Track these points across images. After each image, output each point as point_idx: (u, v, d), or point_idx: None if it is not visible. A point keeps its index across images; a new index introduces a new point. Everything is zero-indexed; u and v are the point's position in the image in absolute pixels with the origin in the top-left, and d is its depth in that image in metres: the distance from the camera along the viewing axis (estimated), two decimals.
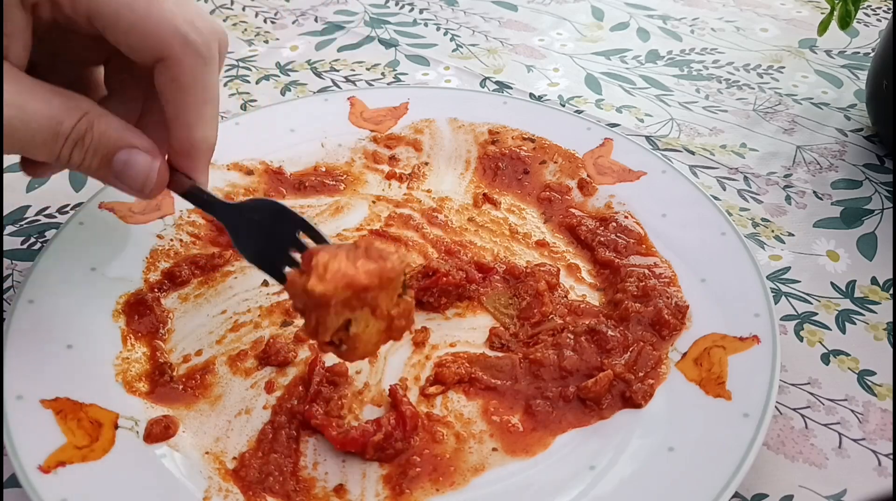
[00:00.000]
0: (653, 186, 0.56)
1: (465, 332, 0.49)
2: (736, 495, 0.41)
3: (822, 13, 0.63)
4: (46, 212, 0.56)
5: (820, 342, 0.49)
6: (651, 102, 0.69)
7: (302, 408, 0.44)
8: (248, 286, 0.52)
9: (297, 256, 0.42)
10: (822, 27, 0.61)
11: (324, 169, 0.60)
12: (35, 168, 0.44)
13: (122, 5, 0.38)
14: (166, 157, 0.43)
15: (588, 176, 0.58)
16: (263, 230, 0.43)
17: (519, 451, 0.43)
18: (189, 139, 0.42)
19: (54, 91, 0.39)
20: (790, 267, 0.54)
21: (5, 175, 0.59)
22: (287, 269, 0.42)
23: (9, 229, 0.55)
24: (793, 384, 0.46)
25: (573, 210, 0.57)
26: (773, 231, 0.56)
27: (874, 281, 0.53)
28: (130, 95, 0.45)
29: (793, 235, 0.56)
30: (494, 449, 0.43)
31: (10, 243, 0.54)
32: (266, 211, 0.43)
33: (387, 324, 0.39)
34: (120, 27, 0.39)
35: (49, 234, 0.55)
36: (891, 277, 0.53)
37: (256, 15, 0.81)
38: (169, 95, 0.41)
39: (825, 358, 0.48)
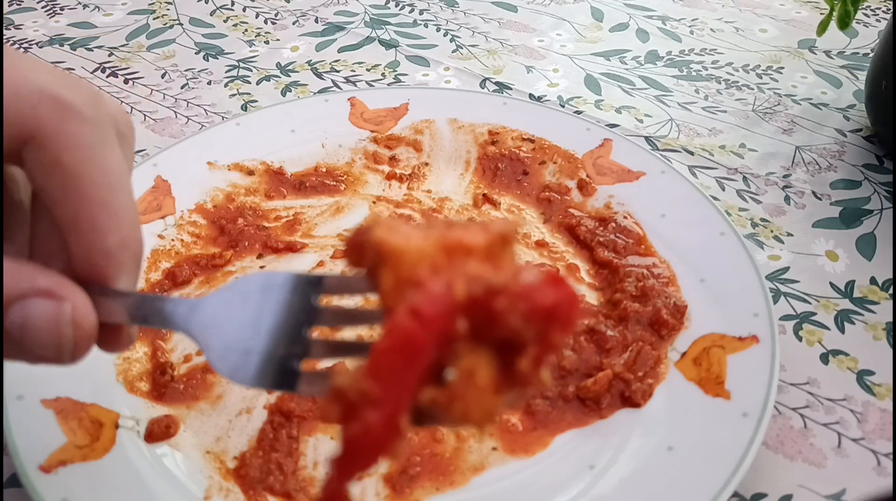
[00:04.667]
0: (652, 187, 0.56)
1: None
2: (735, 494, 0.41)
3: (822, 14, 0.63)
4: None
5: (819, 342, 0.49)
6: (650, 103, 0.69)
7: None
8: None
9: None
10: (822, 28, 0.61)
11: (324, 169, 0.60)
12: None
13: None
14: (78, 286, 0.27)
15: (587, 176, 0.58)
16: (257, 321, 0.27)
17: (518, 450, 0.43)
18: (103, 248, 0.27)
19: None
20: (789, 267, 0.54)
21: None
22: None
23: None
24: (792, 384, 0.47)
25: (572, 210, 0.57)
26: (772, 231, 0.56)
27: (873, 281, 0.53)
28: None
29: (792, 235, 0.56)
30: (494, 449, 0.43)
31: None
32: (256, 289, 0.27)
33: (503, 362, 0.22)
34: None
35: None
36: (890, 277, 0.53)
37: (257, 16, 0.81)
38: (55, 190, 0.27)
39: (824, 358, 0.48)
